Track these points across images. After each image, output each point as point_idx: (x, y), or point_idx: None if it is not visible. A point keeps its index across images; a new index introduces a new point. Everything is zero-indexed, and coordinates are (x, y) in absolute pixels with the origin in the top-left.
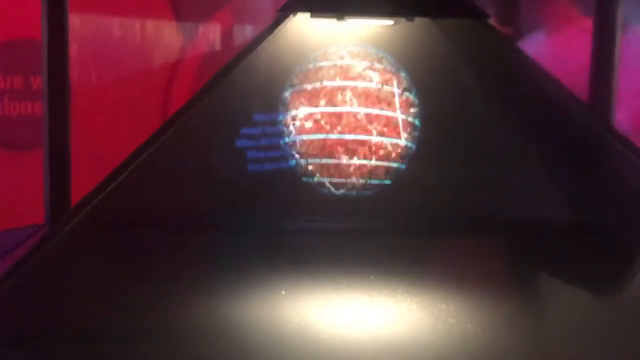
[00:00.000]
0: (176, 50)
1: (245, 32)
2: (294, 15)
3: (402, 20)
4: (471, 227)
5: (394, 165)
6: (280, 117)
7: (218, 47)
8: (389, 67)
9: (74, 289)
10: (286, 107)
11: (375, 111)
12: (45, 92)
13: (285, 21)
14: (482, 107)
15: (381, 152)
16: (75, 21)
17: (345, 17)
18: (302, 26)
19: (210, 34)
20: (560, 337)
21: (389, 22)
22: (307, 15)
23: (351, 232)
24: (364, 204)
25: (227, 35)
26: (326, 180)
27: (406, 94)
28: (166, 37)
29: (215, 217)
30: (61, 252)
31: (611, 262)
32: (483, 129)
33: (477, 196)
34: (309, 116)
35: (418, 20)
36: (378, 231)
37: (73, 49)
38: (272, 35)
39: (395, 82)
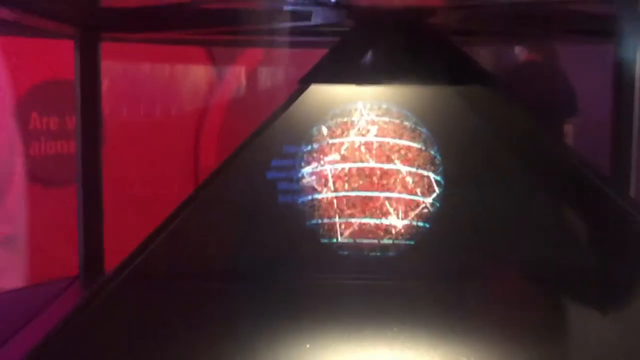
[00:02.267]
0: (207, 91)
1: (273, 73)
2: (313, 86)
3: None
4: (491, 282)
5: (419, 224)
6: (300, 175)
7: (245, 88)
8: (411, 125)
9: (116, 347)
10: (308, 164)
11: (400, 167)
12: (78, 137)
13: (305, 91)
14: (497, 168)
15: (408, 211)
16: (115, 65)
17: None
18: (321, 95)
19: (238, 75)
20: None
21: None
22: (326, 86)
23: (374, 288)
24: (388, 263)
25: (253, 77)
26: (349, 241)
27: (430, 151)
28: (198, 78)
29: (245, 274)
30: (96, 318)
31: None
32: (500, 190)
33: (495, 254)
34: (331, 172)
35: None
36: (401, 288)
37: (109, 89)
38: (292, 106)
39: (420, 140)
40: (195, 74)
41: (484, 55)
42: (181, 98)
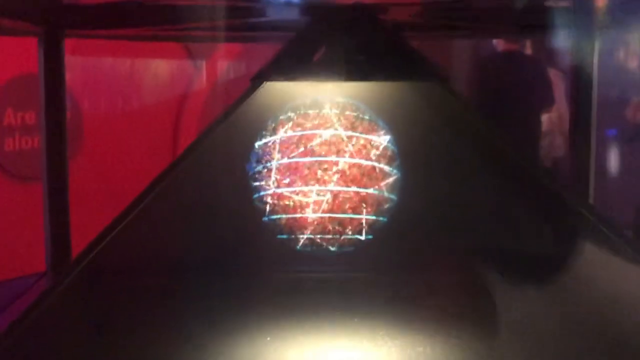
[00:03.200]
0: (185, 83)
1: (250, 66)
2: (267, 83)
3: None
4: (448, 274)
5: (375, 218)
6: (253, 171)
7: (223, 80)
8: (368, 118)
9: (73, 339)
10: (260, 160)
11: (355, 161)
12: (43, 133)
13: (259, 88)
14: (449, 161)
15: (365, 205)
16: (92, 60)
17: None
18: (274, 92)
19: (216, 68)
20: None
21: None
22: (279, 82)
23: (333, 281)
24: (346, 257)
25: (232, 69)
26: (305, 237)
27: (387, 144)
28: (176, 71)
29: (200, 270)
30: (61, 305)
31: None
32: (452, 182)
33: (452, 245)
34: (285, 168)
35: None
36: (360, 280)
37: (86, 84)
38: (244, 103)
39: (376, 132)
40: (173, 67)
41: (461, 46)
42: (159, 91)
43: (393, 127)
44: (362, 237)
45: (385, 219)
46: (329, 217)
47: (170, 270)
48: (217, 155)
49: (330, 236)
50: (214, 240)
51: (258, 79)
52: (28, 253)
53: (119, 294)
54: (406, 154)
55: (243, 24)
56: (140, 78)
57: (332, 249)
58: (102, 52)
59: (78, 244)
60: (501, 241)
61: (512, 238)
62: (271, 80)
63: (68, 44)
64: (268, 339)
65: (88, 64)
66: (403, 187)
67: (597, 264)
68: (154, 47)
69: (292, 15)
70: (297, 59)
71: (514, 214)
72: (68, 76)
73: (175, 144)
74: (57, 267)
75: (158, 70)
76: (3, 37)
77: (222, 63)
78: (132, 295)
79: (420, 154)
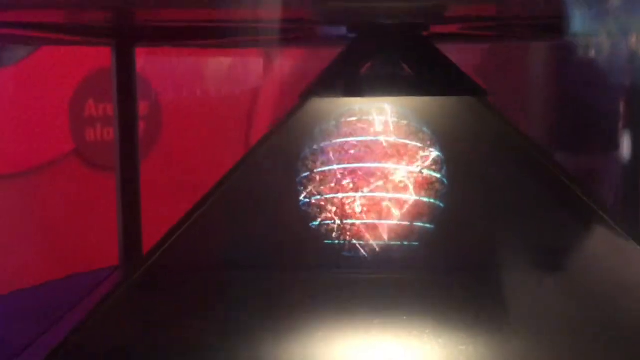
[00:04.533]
0: (258, 77)
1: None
2: (314, 99)
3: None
4: (492, 277)
5: (422, 225)
6: (300, 177)
7: (297, 71)
8: (416, 126)
9: (143, 333)
10: (307, 166)
11: (404, 168)
12: (117, 133)
13: (306, 104)
14: (493, 172)
15: (412, 212)
16: (169, 56)
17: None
18: (322, 107)
19: (289, 59)
20: None
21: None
22: (326, 99)
23: (381, 282)
24: (393, 262)
25: (305, 60)
26: (352, 242)
27: (435, 152)
28: (249, 66)
29: (257, 269)
30: (131, 298)
31: None
32: (494, 192)
33: (495, 250)
34: (333, 173)
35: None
36: (407, 282)
37: (165, 77)
38: (293, 118)
39: (422, 139)
40: (246, 61)
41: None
42: (233, 86)
43: (437, 139)
44: (409, 243)
45: (432, 226)
46: (377, 224)
47: (227, 269)
48: (268, 165)
49: (377, 242)
50: (267, 246)
51: (306, 95)
52: (108, 244)
53: (182, 290)
54: (450, 165)
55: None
56: (216, 72)
57: (379, 253)
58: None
59: (154, 236)
60: (540, 248)
61: (549, 244)
62: (318, 97)
63: None
64: (320, 333)
65: (167, 60)
66: (449, 196)
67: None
68: None
69: (339, 31)
70: (343, 75)
71: (549, 222)
72: (149, 71)
73: (248, 139)
74: (128, 260)
75: (232, 64)
76: None
77: (294, 59)
78: (194, 291)
79: (462, 165)
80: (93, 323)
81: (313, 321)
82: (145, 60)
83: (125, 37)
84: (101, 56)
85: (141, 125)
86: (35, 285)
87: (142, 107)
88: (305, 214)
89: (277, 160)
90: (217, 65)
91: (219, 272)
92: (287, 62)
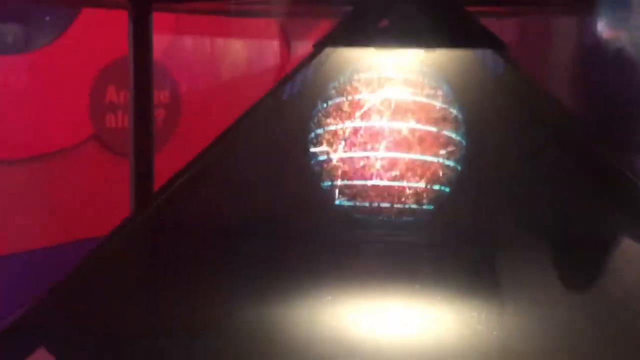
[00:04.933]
0: (279, 64)
1: None
2: (328, 49)
3: (431, 50)
4: (512, 246)
5: (438, 188)
6: (312, 135)
7: None
8: (431, 82)
9: (119, 291)
10: (319, 124)
11: (419, 126)
12: (131, 111)
13: (320, 54)
14: (515, 134)
15: (427, 173)
16: (188, 38)
17: (377, 48)
18: (335, 58)
19: (310, 40)
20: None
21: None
22: (340, 49)
23: (392, 248)
24: (406, 226)
25: None
26: (363, 204)
27: (452, 109)
28: (270, 52)
29: (261, 227)
30: (113, 256)
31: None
32: (516, 155)
33: (519, 222)
34: (343, 132)
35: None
36: (420, 245)
37: (183, 63)
38: (305, 67)
39: (439, 97)
40: (268, 48)
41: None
42: (253, 72)
43: (455, 95)
44: (422, 207)
45: (448, 189)
46: (389, 185)
47: (230, 231)
48: (277, 118)
49: (389, 204)
50: (274, 203)
51: (320, 45)
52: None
53: (182, 249)
54: (468, 123)
55: None
56: (236, 58)
57: (392, 216)
58: (199, 30)
59: None
60: (565, 222)
61: (577, 220)
62: (332, 46)
63: (167, 22)
64: (329, 298)
65: (185, 44)
66: (467, 157)
67: None
68: (250, 26)
69: None
70: (359, 26)
71: (579, 194)
72: (166, 56)
73: None
74: None
75: (251, 49)
76: (109, 18)
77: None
78: (195, 252)
79: (482, 123)
80: (70, 284)
81: (323, 285)
82: (163, 49)
83: None
84: (124, 43)
85: (160, 114)
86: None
87: (162, 96)
88: (316, 173)
89: (286, 112)
90: (235, 52)
91: (223, 231)
92: (307, 45)
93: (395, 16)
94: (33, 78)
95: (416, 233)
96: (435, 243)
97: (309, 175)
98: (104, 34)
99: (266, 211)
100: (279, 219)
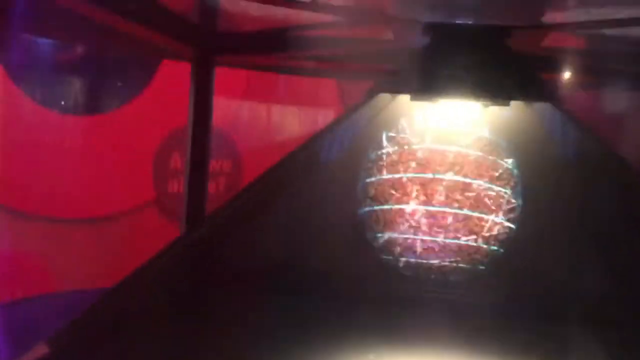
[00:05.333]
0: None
1: None
2: (381, 95)
3: (488, 104)
4: (567, 322)
5: (492, 247)
6: (363, 183)
7: None
8: (488, 137)
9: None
10: (370, 173)
11: (475, 182)
12: (188, 160)
13: (373, 99)
14: (568, 187)
15: (481, 231)
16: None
17: (431, 100)
18: (388, 104)
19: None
20: None
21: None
22: (394, 95)
23: (439, 305)
24: (456, 283)
25: None
26: (412, 260)
27: (508, 165)
28: (328, 116)
29: (300, 285)
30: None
31: None
32: (573, 212)
33: (573, 287)
34: (395, 184)
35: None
36: (466, 306)
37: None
38: (357, 112)
39: (496, 152)
40: (326, 112)
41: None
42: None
43: (512, 150)
44: (475, 267)
45: (501, 249)
46: (440, 242)
47: (276, 277)
48: (324, 160)
49: (438, 261)
50: (319, 251)
51: (374, 90)
52: None
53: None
54: (525, 179)
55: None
56: (294, 123)
57: (439, 274)
58: (258, 96)
59: None
60: (624, 292)
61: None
62: (386, 93)
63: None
64: (371, 357)
65: (245, 109)
66: (523, 217)
67: None
68: (308, 90)
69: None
70: (415, 74)
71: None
72: (229, 126)
73: None
74: None
75: (310, 114)
76: (180, 85)
77: None
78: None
79: (538, 178)
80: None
81: (369, 340)
82: (223, 114)
83: (205, 45)
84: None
85: (223, 181)
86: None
87: (225, 165)
88: (364, 223)
89: (334, 159)
90: (294, 116)
91: (268, 279)
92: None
93: (451, 66)
94: (100, 140)
95: (464, 292)
96: (481, 304)
97: (356, 226)
98: (174, 101)
99: (313, 259)
100: (325, 271)
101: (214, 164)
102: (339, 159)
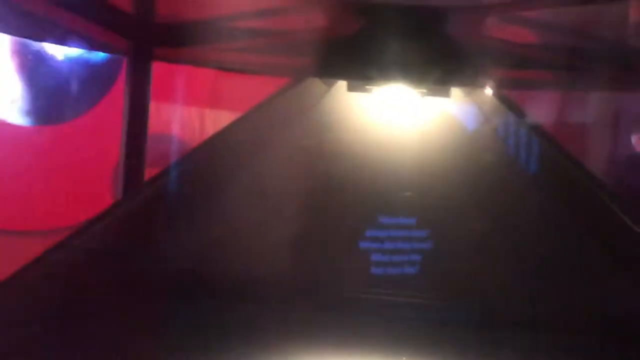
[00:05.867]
0: None
1: None
2: (309, 79)
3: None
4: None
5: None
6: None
7: None
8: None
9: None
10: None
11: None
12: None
13: (300, 83)
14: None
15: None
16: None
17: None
18: (317, 89)
19: None
20: None
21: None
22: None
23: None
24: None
25: None
26: None
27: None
28: None
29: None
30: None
31: None
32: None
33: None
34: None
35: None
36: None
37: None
38: (282, 95)
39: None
40: None
41: None
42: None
43: (441, 137)
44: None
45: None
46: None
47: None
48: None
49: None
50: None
51: (301, 74)
52: None
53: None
54: (463, 170)
55: None
56: None
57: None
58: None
59: None
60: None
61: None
62: (312, 77)
63: None
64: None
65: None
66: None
67: None
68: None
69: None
70: (344, 57)
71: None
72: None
73: None
74: None
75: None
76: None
77: None
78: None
79: (476, 171)
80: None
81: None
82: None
83: (141, 37)
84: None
85: None
86: None
87: None
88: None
89: (256, 141)
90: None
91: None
92: None
93: (390, 53)
94: (58, 150)
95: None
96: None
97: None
98: None
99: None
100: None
101: None
102: (259, 143)
